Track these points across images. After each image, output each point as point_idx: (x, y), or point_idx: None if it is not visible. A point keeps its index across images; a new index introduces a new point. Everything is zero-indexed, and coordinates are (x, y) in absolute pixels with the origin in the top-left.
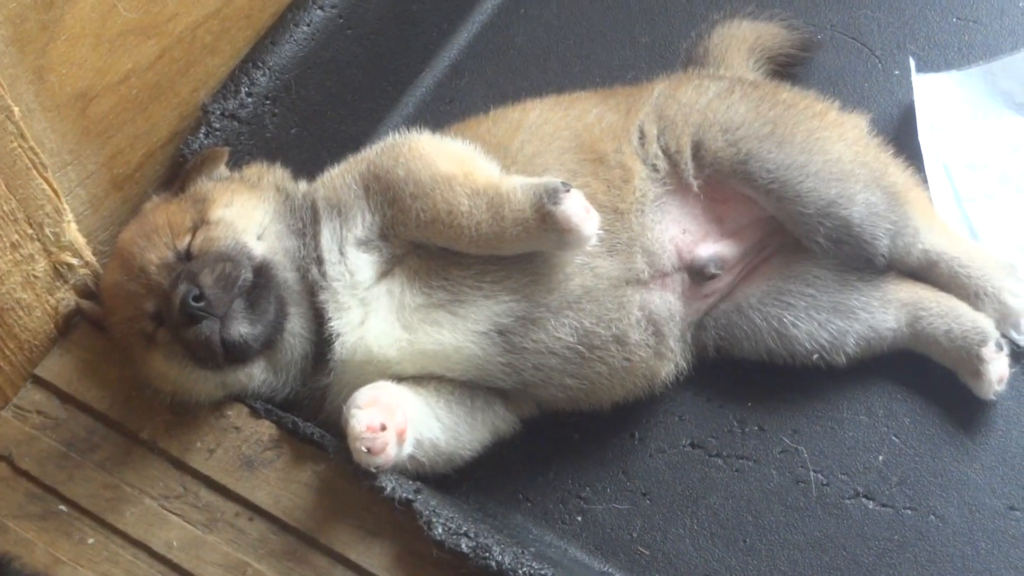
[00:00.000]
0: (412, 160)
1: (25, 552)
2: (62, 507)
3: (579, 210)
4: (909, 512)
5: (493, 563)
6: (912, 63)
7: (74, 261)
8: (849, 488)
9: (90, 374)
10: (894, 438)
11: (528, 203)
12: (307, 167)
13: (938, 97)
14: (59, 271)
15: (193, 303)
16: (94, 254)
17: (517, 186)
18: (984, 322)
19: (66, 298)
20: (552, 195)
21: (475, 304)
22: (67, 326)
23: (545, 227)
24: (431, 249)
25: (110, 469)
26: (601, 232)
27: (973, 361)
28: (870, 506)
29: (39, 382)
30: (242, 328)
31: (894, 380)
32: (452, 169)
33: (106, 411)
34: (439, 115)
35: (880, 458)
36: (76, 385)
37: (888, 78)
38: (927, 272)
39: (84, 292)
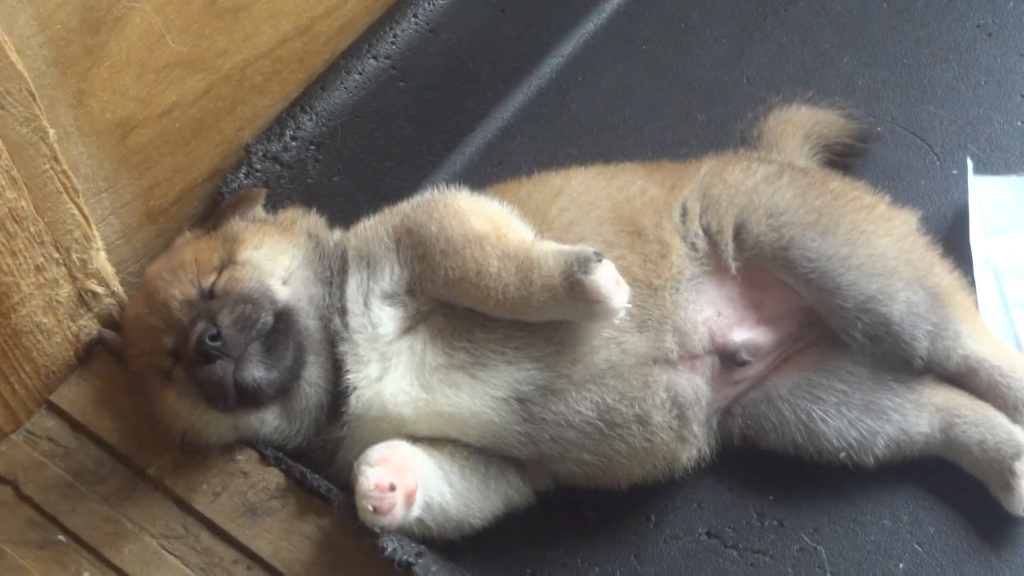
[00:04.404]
0: (446, 217)
1: None
2: (61, 537)
3: (609, 282)
4: None
5: None
6: (970, 163)
7: (100, 289)
8: None
9: (104, 405)
10: (917, 547)
11: (558, 270)
12: (346, 216)
13: (994, 200)
14: (83, 298)
15: (209, 342)
16: (122, 284)
17: (548, 252)
18: (1020, 435)
19: (88, 326)
20: (583, 264)
21: (496, 369)
22: (87, 354)
23: (573, 296)
24: (457, 309)
25: (113, 503)
26: (632, 307)
27: (1005, 474)
28: None
29: (53, 408)
30: (256, 372)
31: (922, 486)
32: (485, 229)
33: (116, 444)
34: (486, 176)
35: (901, 566)
36: (89, 415)
37: (945, 176)
38: (966, 379)
39: (108, 322)
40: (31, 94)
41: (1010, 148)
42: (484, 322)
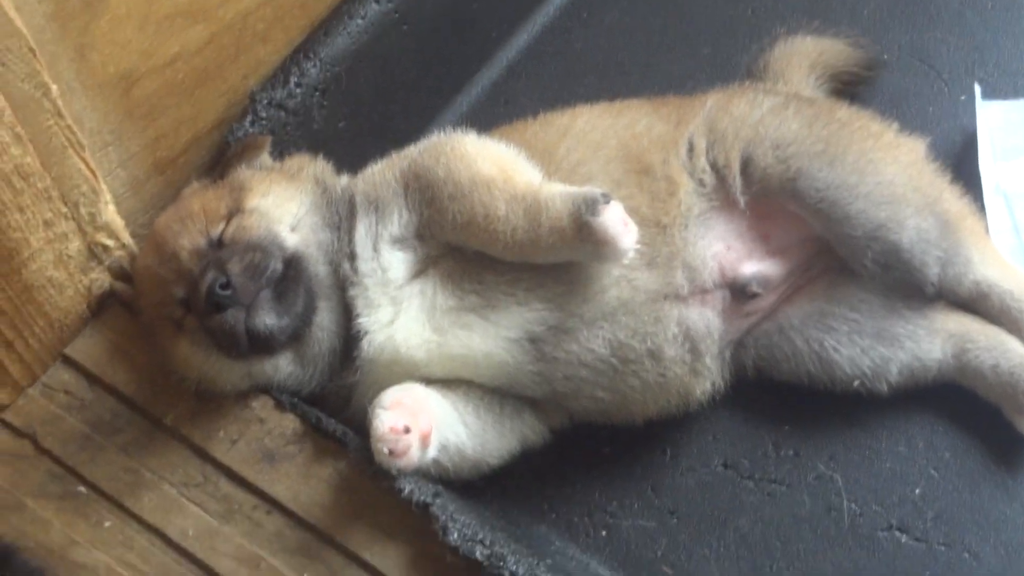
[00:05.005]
0: (453, 160)
1: (41, 532)
2: (81, 488)
3: (617, 223)
4: (943, 548)
5: (507, 572)
6: (978, 89)
7: (110, 242)
8: (883, 520)
9: (119, 357)
10: (933, 471)
11: (566, 212)
12: (353, 161)
13: (1003, 125)
14: (93, 251)
15: (219, 291)
16: (133, 236)
17: (556, 194)
18: None
19: (100, 279)
20: (591, 206)
21: (507, 310)
22: (100, 307)
23: (581, 238)
24: (466, 252)
25: (132, 453)
26: (641, 245)
27: (1019, 397)
28: (903, 539)
29: (68, 362)
30: (268, 319)
31: (936, 412)
32: (492, 172)
33: (132, 395)
34: (493, 116)
35: (917, 491)
36: (104, 367)
37: (954, 103)
38: (978, 303)
39: (119, 274)
40: (31, 50)
41: (1018, 72)
42: (494, 265)
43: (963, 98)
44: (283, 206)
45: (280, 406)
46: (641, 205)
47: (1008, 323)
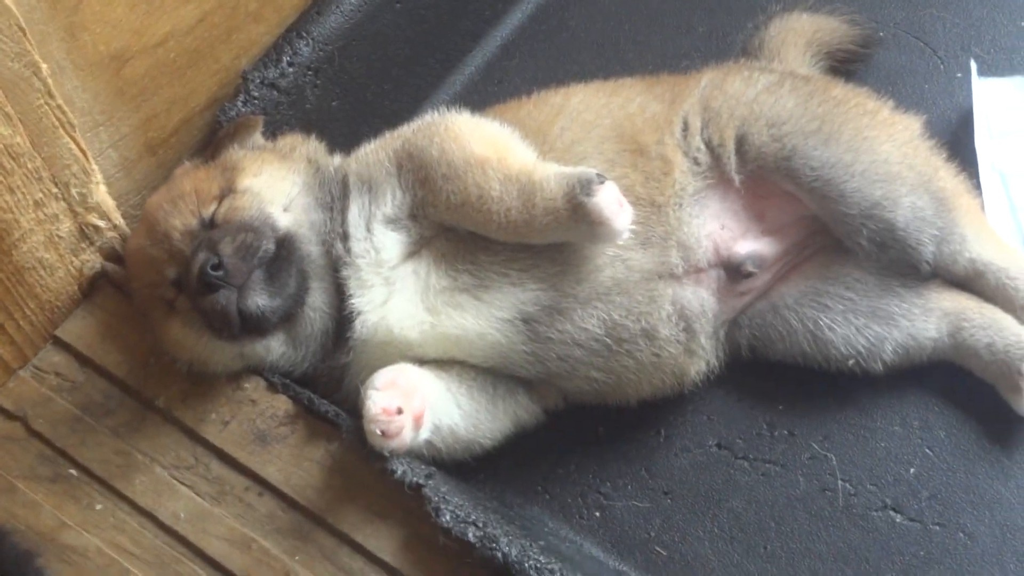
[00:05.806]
0: (447, 141)
1: (32, 514)
2: (72, 471)
3: (612, 203)
4: (937, 528)
5: (499, 554)
6: (974, 66)
7: (101, 223)
8: (877, 499)
9: (111, 338)
10: (927, 451)
11: (560, 193)
12: (346, 140)
13: (999, 102)
14: (85, 232)
15: (211, 271)
16: (124, 217)
17: (551, 174)
18: None
19: (91, 260)
20: (585, 186)
21: (501, 291)
22: (91, 288)
23: (576, 218)
24: (460, 232)
25: (123, 435)
26: (635, 225)
27: (1014, 376)
28: (898, 519)
29: (59, 343)
30: (260, 299)
31: (931, 391)
32: (486, 152)
33: (124, 377)
34: (487, 95)
35: (911, 471)
36: (96, 348)
37: (949, 80)
38: (973, 282)
39: (110, 255)
40: (21, 29)
41: (1014, 49)
42: (488, 245)
43: (959, 75)
44: (275, 186)
45: (272, 387)
46: (635, 184)
47: (1003, 301)
